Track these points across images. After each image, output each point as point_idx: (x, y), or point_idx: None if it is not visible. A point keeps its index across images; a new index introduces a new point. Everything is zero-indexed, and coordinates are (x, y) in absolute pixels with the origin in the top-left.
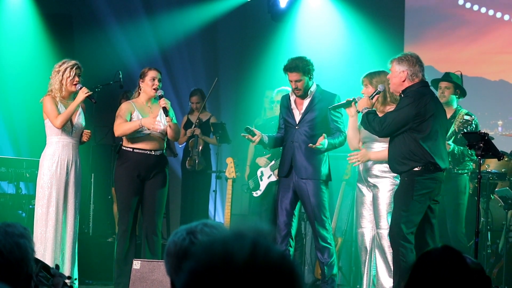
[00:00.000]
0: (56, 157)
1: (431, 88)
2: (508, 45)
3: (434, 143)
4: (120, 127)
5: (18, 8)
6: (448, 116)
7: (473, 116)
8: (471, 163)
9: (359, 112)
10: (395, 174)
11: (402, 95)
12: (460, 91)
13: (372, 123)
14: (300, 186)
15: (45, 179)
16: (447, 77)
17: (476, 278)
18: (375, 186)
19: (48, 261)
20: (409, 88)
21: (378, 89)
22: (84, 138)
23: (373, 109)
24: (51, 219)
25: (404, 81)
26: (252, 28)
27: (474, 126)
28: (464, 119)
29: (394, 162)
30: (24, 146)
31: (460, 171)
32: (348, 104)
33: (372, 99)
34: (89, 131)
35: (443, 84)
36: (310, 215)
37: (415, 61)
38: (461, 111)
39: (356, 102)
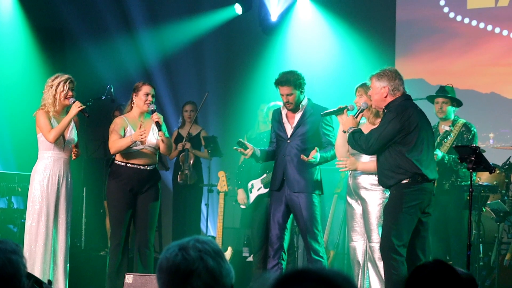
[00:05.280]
0: (47, 172)
1: (427, 101)
2: (499, 57)
3: (419, 154)
4: (114, 145)
5: (9, 21)
6: (447, 127)
7: (473, 128)
8: (475, 175)
9: (344, 131)
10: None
11: (385, 110)
12: (456, 103)
13: (358, 141)
14: (292, 199)
15: (36, 194)
16: (443, 91)
17: None
18: (364, 199)
19: (37, 275)
20: (391, 103)
21: (361, 107)
22: (73, 157)
23: (359, 128)
24: (41, 234)
25: (386, 96)
26: (243, 41)
27: (472, 134)
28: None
29: (382, 176)
30: (13, 160)
31: (463, 183)
32: (340, 111)
33: (356, 117)
34: (77, 149)
35: (440, 100)
36: (302, 229)
37: (394, 75)
38: (459, 121)
39: (348, 109)
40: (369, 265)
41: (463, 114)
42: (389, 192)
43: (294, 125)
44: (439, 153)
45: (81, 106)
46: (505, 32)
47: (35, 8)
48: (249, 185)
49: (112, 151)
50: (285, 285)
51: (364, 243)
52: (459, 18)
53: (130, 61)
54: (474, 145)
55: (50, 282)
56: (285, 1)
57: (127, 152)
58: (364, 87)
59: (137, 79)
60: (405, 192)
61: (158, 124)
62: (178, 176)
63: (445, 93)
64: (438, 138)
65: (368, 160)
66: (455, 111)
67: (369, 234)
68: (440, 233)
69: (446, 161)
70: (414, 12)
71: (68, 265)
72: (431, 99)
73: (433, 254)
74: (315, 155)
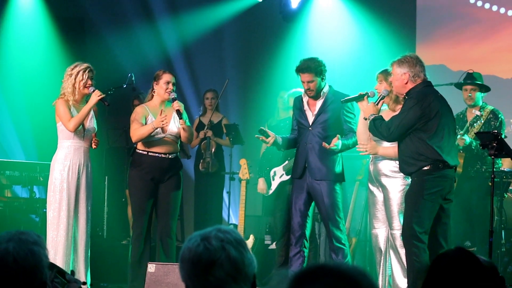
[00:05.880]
0: (67, 161)
1: (449, 87)
2: None
3: (440, 140)
4: (136, 133)
5: (30, 11)
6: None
7: (500, 115)
8: (500, 161)
9: (365, 118)
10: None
11: (406, 97)
12: (484, 89)
13: (379, 128)
14: (314, 187)
15: (56, 183)
16: (471, 78)
17: (490, 277)
18: (385, 186)
19: (59, 265)
20: (412, 89)
21: (382, 94)
22: (93, 146)
23: (379, 115)
24: (63, 223)
25: (406, 83)
26: (263, 28)
27: (500, 121)
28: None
29: (403, 163)
30: (34, 149)
31: (490, 170)
32: (360, 97)
33: (377, 104)
34: (97, 139)
35: (468, 87)
36: (324, 216)
37: (415, 62)
38: (487, 107)
39: (369, 96)
40: (391, 252)
41: (484, 100)
42: (410, 179)
43: (315, 112)
44: (467, 139)
45: (100, 95)
46: None
47: None
48: (272, 172)
49: (133, 139)
50: (304, 281)
51: (386, 230)
52: (479, 3)
53: (150, 50)
54: (495, 131)
55: (73, 272)
56: None
57: (149, 141)
58: (385, 73)
59: (158, 67)
60: (426, 179)
61: (179, 112)
62: (200, 164)
63: (473, 80)
64: (468, 124)
65: (389, 145)
66: (483, 97)
67: (391, 221)
68: (464, 219)
69: (473, 147)
70: None
71: (89, 254)
72: (459, 86)
73: (457, 241)
74: (336, 142)
